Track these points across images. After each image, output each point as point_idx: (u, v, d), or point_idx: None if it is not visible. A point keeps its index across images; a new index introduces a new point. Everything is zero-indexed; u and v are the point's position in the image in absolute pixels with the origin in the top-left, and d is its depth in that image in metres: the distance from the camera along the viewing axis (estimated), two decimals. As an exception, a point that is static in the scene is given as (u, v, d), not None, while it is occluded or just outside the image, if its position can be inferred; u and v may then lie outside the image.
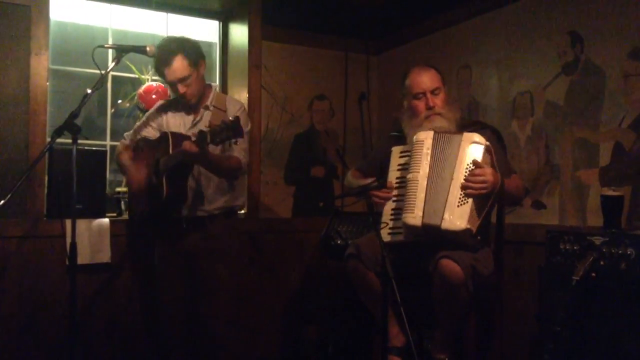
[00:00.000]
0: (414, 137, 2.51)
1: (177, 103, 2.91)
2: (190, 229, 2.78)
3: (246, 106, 3.26)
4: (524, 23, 3.11)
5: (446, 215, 2.33)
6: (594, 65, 2.79)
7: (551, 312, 2.33)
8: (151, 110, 3.00)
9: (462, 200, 2.33)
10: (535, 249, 2.88)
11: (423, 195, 2.40)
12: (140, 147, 2.86)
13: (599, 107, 2.76)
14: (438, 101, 2.57)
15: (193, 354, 2.88)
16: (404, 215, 2.42)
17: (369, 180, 2.59)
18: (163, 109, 2.94)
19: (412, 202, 2.40)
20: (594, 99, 2.78)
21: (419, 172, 2.43)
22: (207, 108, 2.81)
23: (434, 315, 2.44)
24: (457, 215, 2.32)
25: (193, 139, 2.49)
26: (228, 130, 2.28)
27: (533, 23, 3.06)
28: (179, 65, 2.70)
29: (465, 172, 2.36)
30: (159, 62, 2.74)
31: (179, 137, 2.63)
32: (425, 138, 2.47)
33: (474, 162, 2.35)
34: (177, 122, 2.86)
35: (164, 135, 2.70)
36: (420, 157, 2.45)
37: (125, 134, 3.02)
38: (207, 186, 2.78)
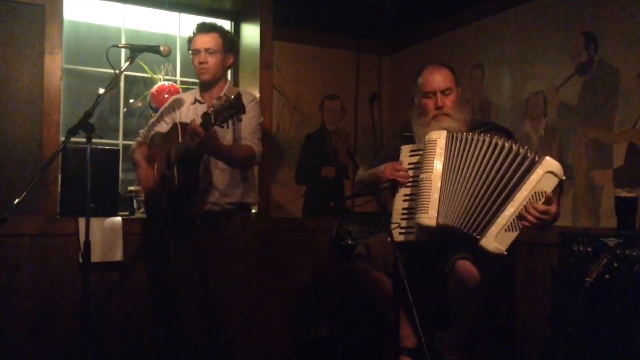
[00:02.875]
0: (427, 137, 2.47)
1: (190, 96, 2.93)
2: (205, 226, 2.77)
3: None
4: (538, 23, 3.09)
5: (489, 233, 2.23)
6: (608, 66, 2.77)
7: (564, 313, 2.32)
8: (164, 105, 3.01)
9: (512, 227, 2.23)
10: (548, 250, 2.86)
11: (437, 196, 2.35)
12: (155, 143, 2.87)
13: (613, 108, 2.74)
14: (448, 102, 2.54)
15: (209, 351, 2.89)
16: (417, 215, 2.38)
17: (382, 167, 2.57)
18: (176, 104, 2.95)
19: (426, 203, 2.36)
20: (608, 99, 2.76)
21: (432, 172, 2.38)
22: (219, 99, 2.82)
23: (447, 316, 2.43)
24: (501, 240, 2.22)
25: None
26: (231, 108, 2.25)
27: (547, 23, 3.05)
28: (213, 37, 2.82)
29: (530, 199, 2.23)
30: (196, 29, 2.85)
31: (186, 126, 2.60)
32: (438, 138, 2.43)
33: (547, 198, 2.20)
34: (190, 114, 2.86)
35: (174, 126, 2.69)
36: (434, 157, 2.40)
37: (141, 131, 3.03)
38: (220, 179, 2.77)
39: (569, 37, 2.93)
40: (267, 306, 3.64)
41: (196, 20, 3.82)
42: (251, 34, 3.80)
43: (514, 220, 2.23)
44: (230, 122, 2.33)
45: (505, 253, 2.24)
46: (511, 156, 2.30)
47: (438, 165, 2.38)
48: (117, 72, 2.60)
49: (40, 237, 3.06)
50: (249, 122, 2.75)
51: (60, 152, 2.54)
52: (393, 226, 2.41)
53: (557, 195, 2.25)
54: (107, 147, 3.33)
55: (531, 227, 2.23)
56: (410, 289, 2.06)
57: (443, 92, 2.54)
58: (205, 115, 2.34)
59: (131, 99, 3.67)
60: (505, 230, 2.22)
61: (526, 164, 2.28)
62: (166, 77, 3.58)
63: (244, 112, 2.29)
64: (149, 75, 3.58)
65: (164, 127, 2.89)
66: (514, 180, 2.27)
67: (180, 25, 3.81)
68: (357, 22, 4.04)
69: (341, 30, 4.00)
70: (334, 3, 3.96)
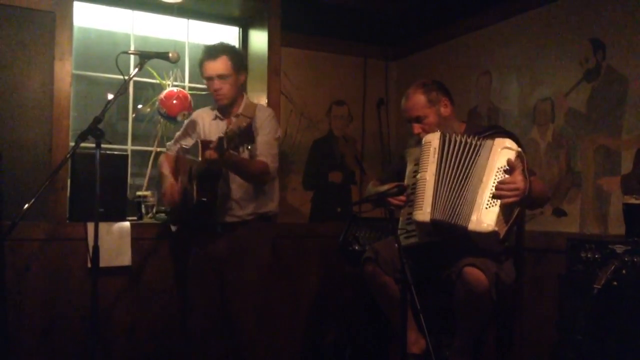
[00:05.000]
0: (423, 139, 2.56)
1: (213, 111, 3.00)
2: (224, 233, 2.85)
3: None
4: (545, 29, 3.09)
5: (474, 217, 2.31)
6: (616, 73, 2.76)
7: (572, 320, 2.31)
8: (189, 119, 3.10)
9: (490, 204, 2.31)
10: (555, 256, 2.85)
11: (431, 192, 2.41)
12: (180, 156, 2.96)
13: (621, 114, 2.74)
14: (426, 127, 2.62)
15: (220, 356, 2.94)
16: (413, 212, 2.44)
17: (386, 187, 2.60)
18: (199, 118, 3.04)
19: (420, 200, 2.43)
20: (616, 106, 2.76)
21: (427, 171, 2.46)
22: (237, 116, 2.87)
23: (454, 322, 2.43)
24: (485, 217, 2.30)
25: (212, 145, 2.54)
26: (240, 136, 2.35)
27: (554, 29, 3.05)
28: (223, 62, 2.84)
29: (495, 176, 2.34)
30: (204, 55, 2.88)
31: (207, 144, 2.68)
32: (432, 139, 2.51)
33: (507, 168, 2.33)
34: (213, 130, 2.95)
35: (195, 143, 2.78)
36: (428, 157, 2.48)
37: (168, 143, 3.13)
38: (237, 192, 2.84)
39: (577, 44, 2.93)
40: (274, 311, 3.64)
41: (204, 26, 3.88)
42: (259, 40, 3.82)
43: (489, 199, 2.32)
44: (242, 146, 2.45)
45: (495, 229, 2.28)
46: (472, 148, 2.43)
47: (432, 164, 2.46)
48: (126, 78, 2.62)
49: (49, 241, 3.08)
50: (265, 137, 2.82)
51: (69, 157, 2.56)
52: (400, 232, 2.43)
53: (521, 166, 2.35)
54: (115, 152, 3.35)
55: (512, 200, 2.29)
56: (418, 294, 2.07)
57: (417, 120, 2.63)
58: (219, 140, 2.42)
59: (139, 104, 3.70)
60: (486, 208, 2.31)
61: (483, 150, 2.41)
62: (174, 83, 3.60)
63: (252, 142, 2.41)
64: (158, 81, 3.60)
65: (188, 141, 3.00)
66: (479, 166, 2.39)
67: (189, 32, 3.83)
68: (364, 27, 4.05)
69: (348, 35, 4.01)
70: (341, 9, 3.97)
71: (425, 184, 2.44)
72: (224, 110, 2.97)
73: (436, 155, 2.46)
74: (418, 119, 2.63)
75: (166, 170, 2.99)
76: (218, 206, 2.78)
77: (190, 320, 2.97)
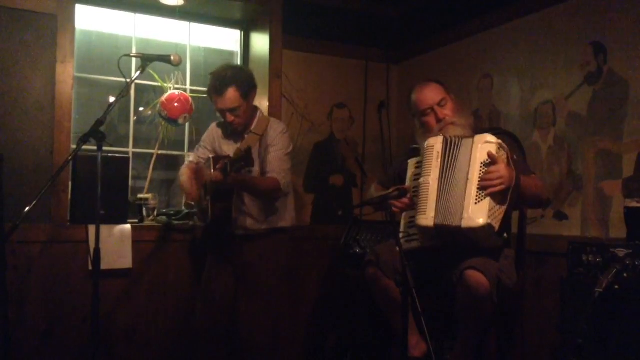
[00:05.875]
0: (425, 143, 2.54)
1: (227, 126, 3.02)
2: (240, 243, 2.91)
3: (266, 114, 3.30)
4: (546, 33, 3.10)
5: (465, 214, 2.31)
6: (617, 76, 2.76)
7: (573, 324, 2.31)
8: (207, 133, 3.13)
9: (479, 198, 2.32)
10: (557, 260, 2.85)
11: (434, 196, 2.40)
12: (199, 168, 2.97)
13: (622, 117, 2.74)
14: (447, 111, 2.60)
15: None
16: (416, 217, 2.43)
17: (389, 191, 2.59)
18: (215, 132, 3.08)
19: (423, 205, 2.42)
20: (618, 109, 2.76)
21: (429, 175, 2.45)
22: (249, 133, 2.90)
23: (455, 326, 2.43)
24: (476, 212, 2.30)
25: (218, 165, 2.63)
26: (241, 160, 2.44)
27: (555, 33, 3.05)
28: (230, 96, 2.82)
29: (480, 171, 2.35)
30: (211, 89, 2.87)
31: (217, 162, 2.75)
32: (435, 143, 2.50)
33: (488, 159, 2.34)
34: (228, 147, 2.99)
35: (208, 159, 2.84)
36: (431, 162, 2.47)
37: (191, 154, 3.18)
38: (252, 207, 2.89)
39: (578, 47, 2.93)
40: (275, 314, 3.64)
41: (206, 29, 3.88)
42: (260, 43, 3.82)
43: (477, 194, 2.32)
44: (259, 151, 2.67)
45: (489, 221, 2.28)
46: (458, 148, 2.44)
47: (435, 169, 2.45)
48: (128, 80, 2.63)
49: (50, 243, 3.08)
50: (276, 153, 2.86)
51: (71, 159, 2.56)
52: (401, 235, 2.43)
53: (505, 154, 2.37)
54: (117, 155, 3.35)
55: (498, 189, 2.29)
56: (419, 297, 2.06)
57: (439, 104, 2.60)
58: (224, 165, 2.52)
59: (141, 107, 3.70)
60: (475, 203, 2.31)
61: (466, 148, 2.42)
62: (176, 86, 3.61)
63: (251, 166, 2.51)
64: (159, 84, 3.61)
65: (205, 154, 3.03)
66: (464, 164, 2.40)
67: (191, 34, 3.84)
68: (365, 30, 4.06)
69: (350, 38, 4.01)
70: (343, 12, 3.98)
71: (428, 189, 2.43)
72: (239, 131, 3.00)
73: (439, 160, 2.46)
74: (441, 103, 2.59)
75: (185, 176, 2.94)
76: (233, 221, 2.85)
77: (202, 322, 3.00)
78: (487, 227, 2.30)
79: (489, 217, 2.29)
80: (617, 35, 2.76)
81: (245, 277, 2.92)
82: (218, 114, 3.05)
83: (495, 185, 2.30)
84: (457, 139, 2.47)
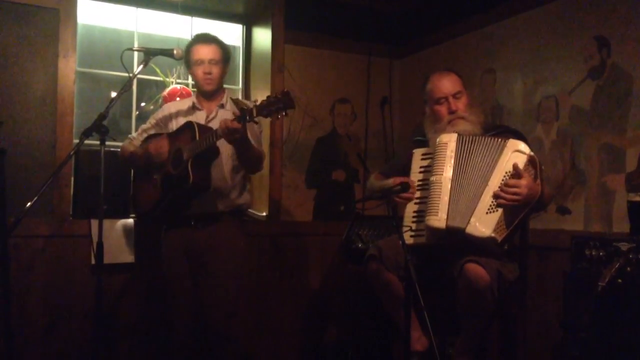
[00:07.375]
0: (437, 139, 2.49)
1: (185, 103, 2.92)
2: (198, 226, 2.77)
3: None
4: (550, 27, 3.09)
5: (472, 220, 2.30)
6: (620, 70, 2.76)
7: (576, 318, 2.31)
8: (157, 112, 2.99)
9: (492, 208, 2.28)
10: (560, 254, 2.85)
11: (447, 198, 2.37)
12: (154, 142, 2.82)
13: (625, 112, 2.73)
14: (460, 105, 2.56)
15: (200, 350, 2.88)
16: (427, 217, 2.40)
17: (391, 181, 2.58)
18: (172, 110, 2.94)
19: (435, 205, 2.38)
20: (621, 103, 2.75)
21: (442, 174, 2.41)
22: (222, 107, 2.85)
23: (457, 320, 2.42)
24: (484, 222, 2.28)
25: (216, 127, 2.52)
26: (279, 101, 2.32)
27: (559, 27, 3.04)
28: (214, 48, 2.83)
29: (503, 180, 2.30)
30: (196, 40, 2.85)
31: (204, 127, 2.67)
32: (448, 141, 2.45)
33: (514, 171, 2.29)
34: (190, 120, 2.82)
35: (188, 125, 2.70)
36: (444, 160, 2.42)
37: (130, 135, 3.01)
38: (217, 180, 2.75)
39: (581, 41, 2.92)
40: (276, 309, 3.65)
41: (208, 23, 3.88)
42: (262, 37, 3.82)
43: (492, 202, 2.29)
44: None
45: (492, 235, 2.26)
46: (487, 148, 2.38)
47: (448, 167, 2.41)
48: (131, 75, 2.62)
49: (52, 238, 3.08)
50: (254, 131, 2.79)
51: (73, 154, 2.56)
52: (404, 229, 2.41)
53: (534, 171, 2.31)
54: (119, 149, 3.34)
55: (511, 204, 2.26)
56: (421, 292, 2.06)
57: (454, 96, 2.56)
58: (244, 110, 2.39)
59: (143, 101, 3.70)
60: (486, 213, 2.28)
61: (495, 150, 2.36)
62: (178, 80, 3.60)
63: (293, 107, 2.36)
64: (161, 78, 3.60)
65: (158, 130, 2.89)
66: (488, 167, 2.35)
67: (193, 29, 3.83)
68: (368, 25, 4.05)
69: (352, 33, 4.00)
70: (345, 7, 3.97)
71: (440, 189, 2.39)
72: (204, 98, 2.89)
73: (453, 159, 2.41)
74: (456, 95, 2.55)
75: (132, 147, 2.86)
76: (211, 189, 2.70)
77: (169, 315, 2.90)
78: (490, 240, 2.28)
79: (495, 230, 2.27)
80: (621, 29, 2.75)
81: (210, 262, 2.76)
82: (189, 72, 2.92)
83: (509, 200, 2.26)
84: (477, 138, 2.42)
